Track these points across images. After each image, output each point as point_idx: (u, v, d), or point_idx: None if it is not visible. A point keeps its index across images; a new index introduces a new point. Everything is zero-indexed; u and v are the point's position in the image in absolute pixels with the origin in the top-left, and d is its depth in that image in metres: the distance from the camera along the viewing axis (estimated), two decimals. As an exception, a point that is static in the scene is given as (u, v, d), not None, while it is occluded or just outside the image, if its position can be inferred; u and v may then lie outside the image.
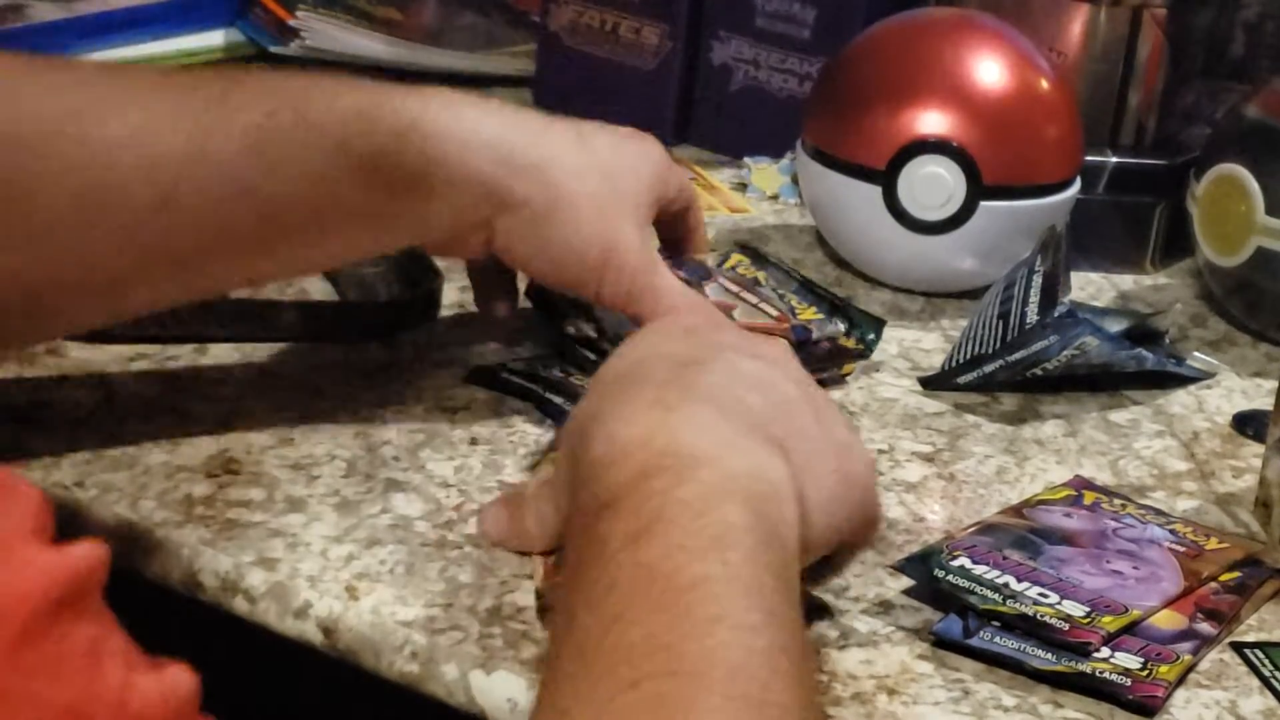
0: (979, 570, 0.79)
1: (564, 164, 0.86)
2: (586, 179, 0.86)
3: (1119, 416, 1.00)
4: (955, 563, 0.80)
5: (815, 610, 0.78)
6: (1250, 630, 0.81)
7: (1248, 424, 1.00)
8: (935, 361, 1.04)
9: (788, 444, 0.69)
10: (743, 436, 0.68)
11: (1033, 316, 0.97)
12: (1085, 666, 0.75)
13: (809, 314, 0.99)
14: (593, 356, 0.92)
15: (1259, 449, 0.97)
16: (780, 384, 0.73)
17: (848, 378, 1.00)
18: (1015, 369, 0.98)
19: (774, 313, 0.95)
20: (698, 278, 0.96)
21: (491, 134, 0.84)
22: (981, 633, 0.76)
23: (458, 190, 0.84)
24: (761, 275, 1.02)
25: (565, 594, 0.64)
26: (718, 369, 0.71)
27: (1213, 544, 0.85)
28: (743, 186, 1.29)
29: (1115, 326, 1.03)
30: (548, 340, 0.97)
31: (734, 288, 0.96)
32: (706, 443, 0.66)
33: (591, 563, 0.62)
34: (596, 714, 0.56)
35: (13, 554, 0.42)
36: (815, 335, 0.96)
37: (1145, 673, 0.75)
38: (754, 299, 0.96)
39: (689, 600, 0.59)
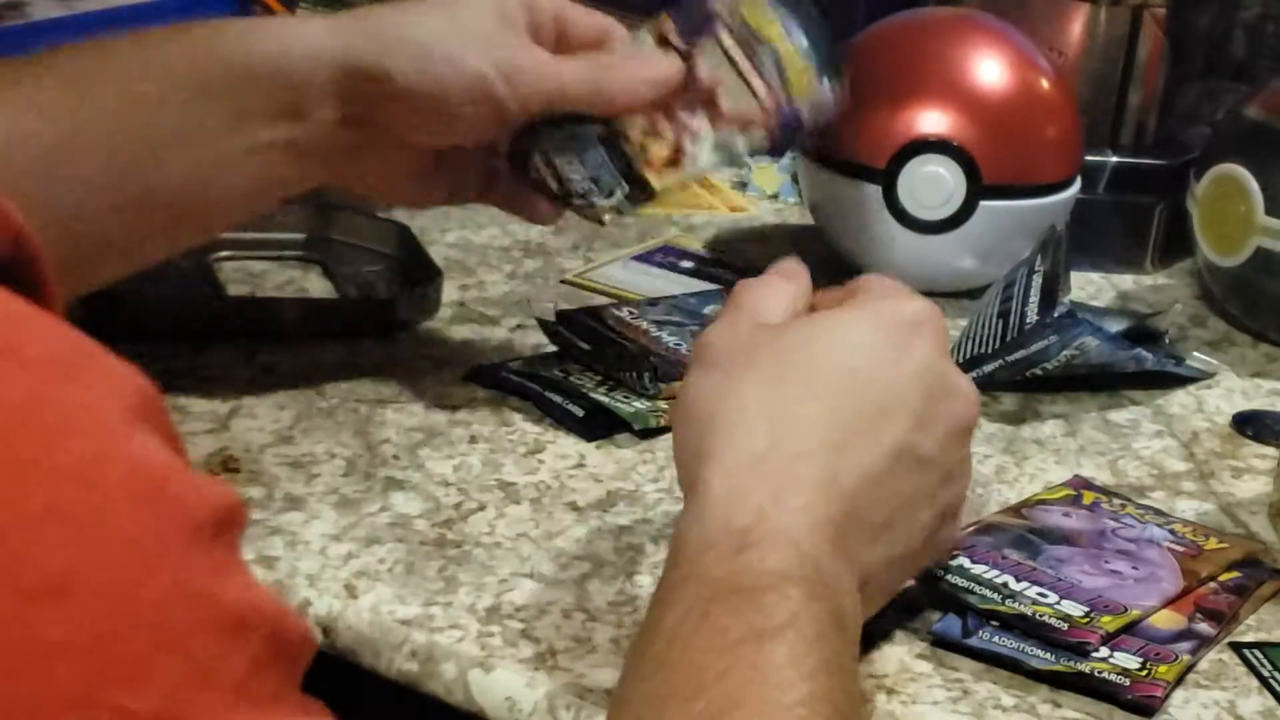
0: (978, 570, 0.79)
1: (401, 22, 0.85)
2: (428, 24, 0.85)
3: (1118, 416, 1.00)
4: (954, 562, 0.80)
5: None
6: (1249, 630, 0.81)
7: (1247, 424, 1.00)
8: (935, 361, 1.04)
9: (891, 531, 0.70)
10: (865, 545, 0.68)
11: (1032, 316, 0.97)
12: (1084, 666, 0.75)
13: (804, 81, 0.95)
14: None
15: (1259, 449, 0.97)
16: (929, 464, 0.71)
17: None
18: (1015, 369, 0.98)
19: (764, 93, 0.92)
20: (694, 32, 0.91)
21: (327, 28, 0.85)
22: (980, 632, 0.76)
23: (318, 80, 0.83)
24: (773, 30, 0.94)
25: (659, 646, 0.62)
26: (883, 442, 0.69)
27: (1212, 544, 0.85)
28: (743, 186, 1.29)
29: (1115, 326, 1.03)
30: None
31: (734, 51, 0.91)
32: (828, 559, 0.65)
33: (704, 642, 0.61)
34: None
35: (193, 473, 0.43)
36: (806, 119, 0.93)
37: (1144, 672, 0.75)
38: (748, 67, 0.92)
39: (797, 715, 0.59)
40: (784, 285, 0.75)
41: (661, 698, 0.60)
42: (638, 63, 0.89)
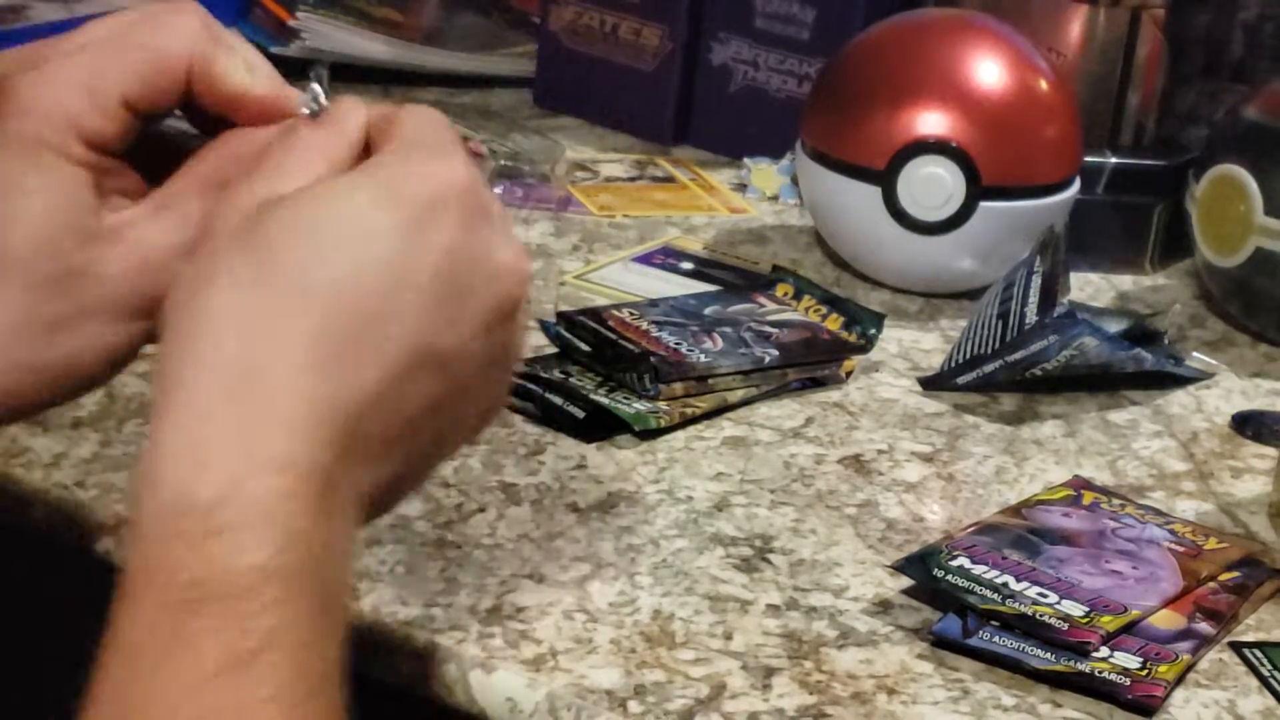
0: (978, 570, 0.79)
1: None
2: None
3: (1118, 417, 1.00)
4: (954, 562, 0.80)
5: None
6: (1249, 630, 0.81)
7: (1247, 424, 1.00)
8: (934, 362, 1.04)
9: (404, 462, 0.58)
10: (371, 468, 0.57)
11: (1032, 317, 0.97)
12: (1084, 666, 0.75)
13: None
14: None
15: (1258, 449, 0.97)
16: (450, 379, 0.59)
17: (848, 376, 1.00)
18: (1014, 369, 0.98)
19: None
20: None
21: None
22: (981, 632, 0.76)
23: None
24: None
25: (109, 688, 0.52)
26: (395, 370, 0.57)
27: (1211, 544, 0.85)
28: (742, 187, 1.29)
29: (1114, 327, 1.03)
30: None
31: None
32: (337, 515, 0.55)
33: (171, 674, 0.51)
34: None
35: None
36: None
37: (1144, 672, 0.75)
38: None
39: None
40: (317, 138, 0.61)
41: None
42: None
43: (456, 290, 0.58)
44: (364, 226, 0.57)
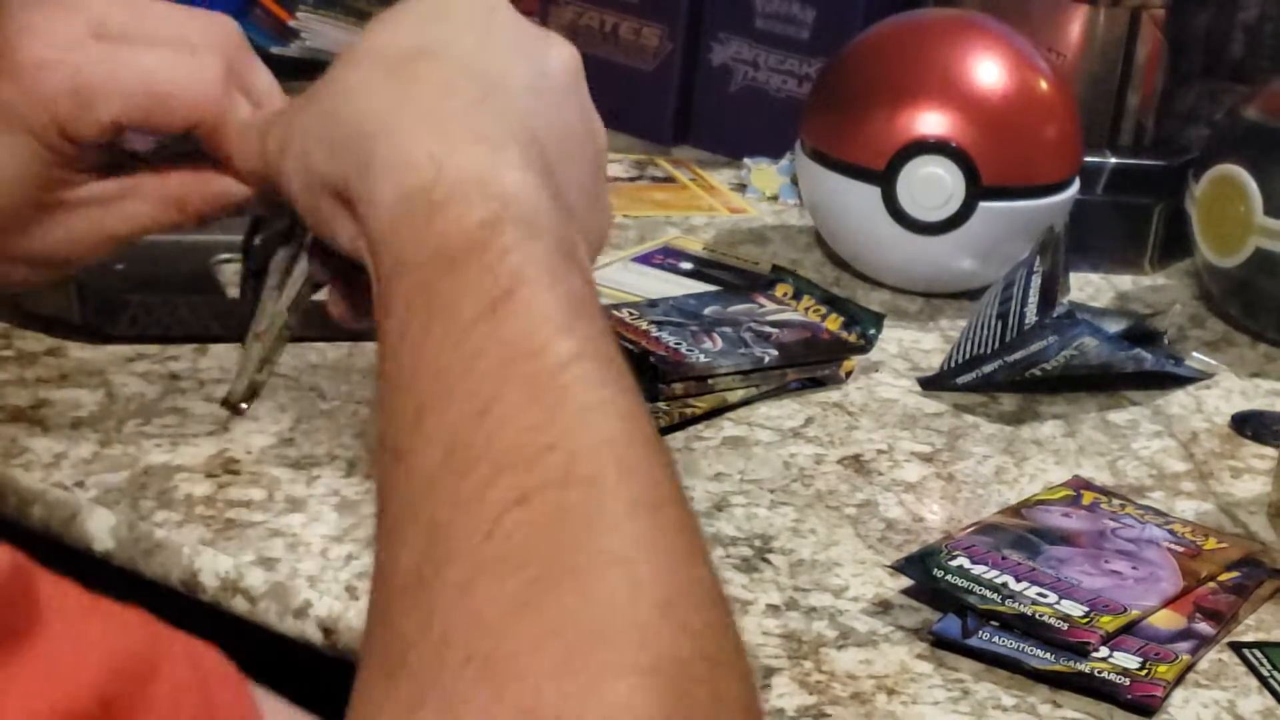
0: (978, 570, 0.79)
1: None
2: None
3: (1118, 417, 1.00)
4: (954, 562, 0.80)
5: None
6: (1249, 630, 0.81)
7: (1246, 424, 1.00)
8: (934, 362, 1.04)
9: (559, 164, 0.61)
10: (544, 177, 0.58)
11: (1031, 317, 0.97)
12: (1084, 666, 0.75)
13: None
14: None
15: (1258, 449, 0.97)
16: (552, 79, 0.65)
17: (848, 376, 1.00)
18: (1014, 369, 0.98)
19: None
20: None
21: None
22: (980, 632, 0.76)
23: None
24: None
25: (392, 367, 0.54)
26: (518, 75, 0.62)
27: (1211, 544, 0.85)
28: (742, 187, 1.29)
29: (1114, 327, 1.03)
30: None
31: None
32: (533, 190, 0.57)
33: (438, 335, 0.53)
34: (484, 536, 0.48)
35: None
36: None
37: (1144, 672, 0.75)
38: None
39: (564, 384, 0.51)
40: None
41: (412, 415, 0.52)
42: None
43: (556, 87, 0.65)
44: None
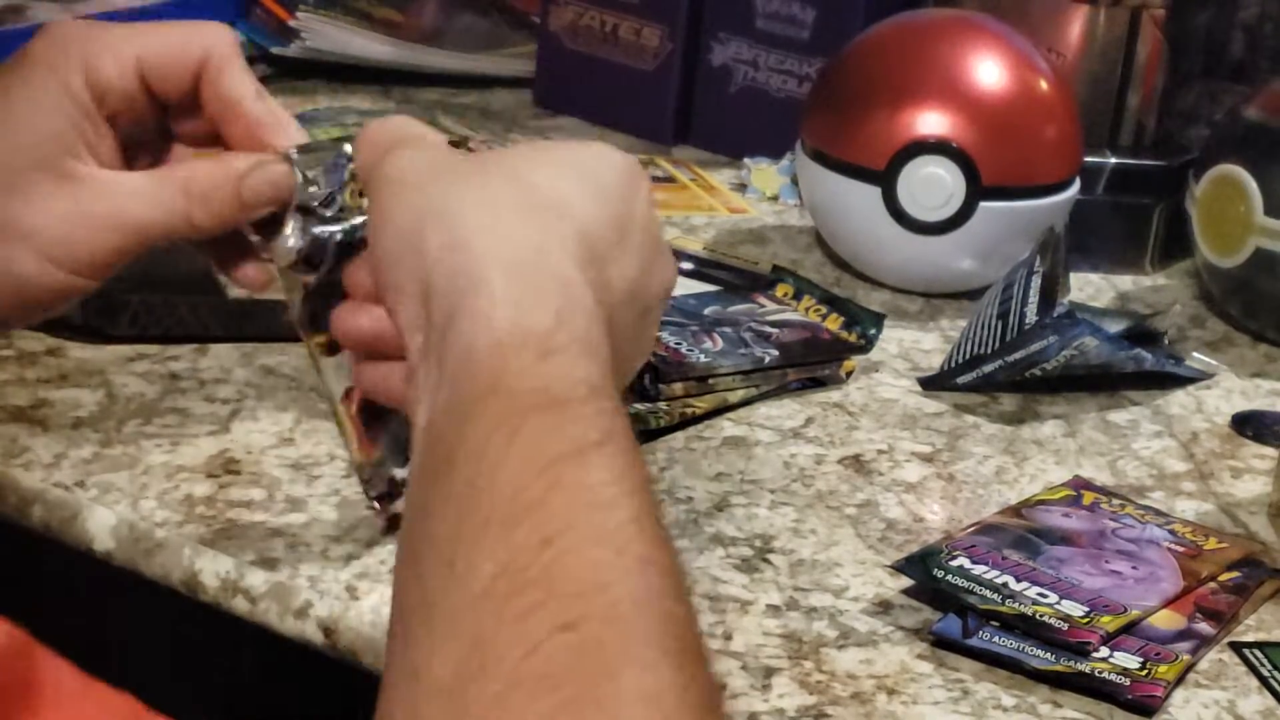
0: (978, 570, 0.79)
1: None
2: None
3: (1118, 417, 1.00)
4: (954, 563, 0.80)
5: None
6: (1249, 630, 0.81)
7: (1247, 424, 1.00)
8: (934, 362, 1.04)
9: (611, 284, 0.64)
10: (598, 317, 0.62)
11: (1032, 317, 0.97)
12: (1084, 666, 0.75)
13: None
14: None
15: (1258, 449, 0.97)
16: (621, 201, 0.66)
17: (848, 376, 1.00)
18: (1014, 369, 0.98)
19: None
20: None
21: None
22: (981, 632, 0.76)
23: None
24: None
25: (471, 470, 0.56)
26: (628, 267, 0.65)
27: (1211, 544, 0.85)
28: (742, 187, 1.29)
29: (1114, 327, 1.03)
30: None
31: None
32: (612, 373, 0.60)
33: (520, 460, 0.56)
34: (526, 652, 0.51)
35: None
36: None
37: (1144, 672, 0.75)
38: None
39: (627, 537, 0.54)
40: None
41: (474, 528, 0.54)
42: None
43: (651, 241, 0.66)
44: (599, 163, 0.66)
